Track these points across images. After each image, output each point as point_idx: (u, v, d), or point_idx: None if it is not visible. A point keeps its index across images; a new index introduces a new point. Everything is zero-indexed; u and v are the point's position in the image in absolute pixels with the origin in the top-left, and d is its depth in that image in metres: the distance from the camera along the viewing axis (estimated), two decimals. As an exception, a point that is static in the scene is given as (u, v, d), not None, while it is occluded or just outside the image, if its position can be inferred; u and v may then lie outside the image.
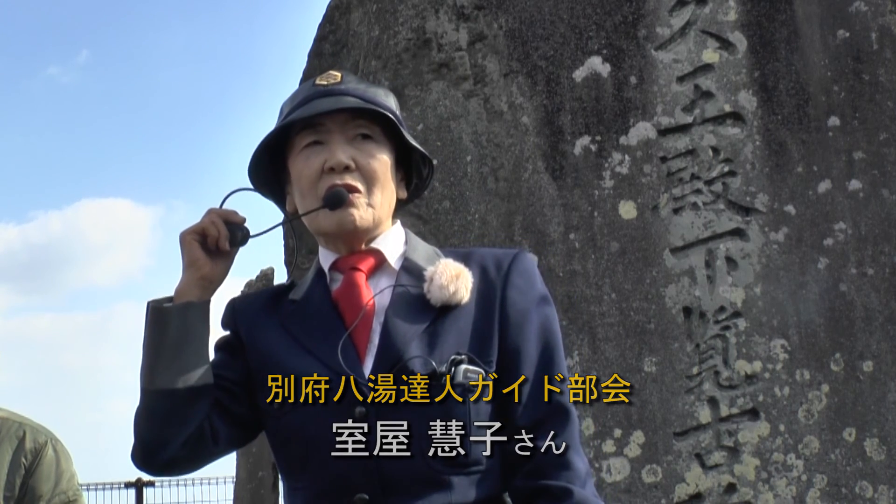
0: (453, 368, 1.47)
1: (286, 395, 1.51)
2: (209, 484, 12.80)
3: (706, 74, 3.22)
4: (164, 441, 1.53)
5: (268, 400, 1.53)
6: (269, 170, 1.65)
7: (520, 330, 1.55)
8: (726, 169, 3.17)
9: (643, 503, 2.99)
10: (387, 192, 1.60)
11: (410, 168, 1.67)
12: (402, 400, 1.46)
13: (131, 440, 1.56)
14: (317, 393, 1.49)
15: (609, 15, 3.24)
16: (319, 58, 3.58)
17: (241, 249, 1.59)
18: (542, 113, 3.19)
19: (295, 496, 1.55)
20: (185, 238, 1.54)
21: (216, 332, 1.63)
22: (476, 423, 1.49)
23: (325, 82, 1.61)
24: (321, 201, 1.55)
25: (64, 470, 2.28)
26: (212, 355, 1.62)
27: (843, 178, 3.20)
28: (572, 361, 3.01)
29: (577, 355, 3.02)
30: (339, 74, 1.63)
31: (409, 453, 1.46)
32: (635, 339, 3.06)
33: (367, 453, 1.46)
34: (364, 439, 1.46)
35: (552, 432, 1.52)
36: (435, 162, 1.69)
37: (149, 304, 1.54)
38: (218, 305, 1.61)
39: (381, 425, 1.46)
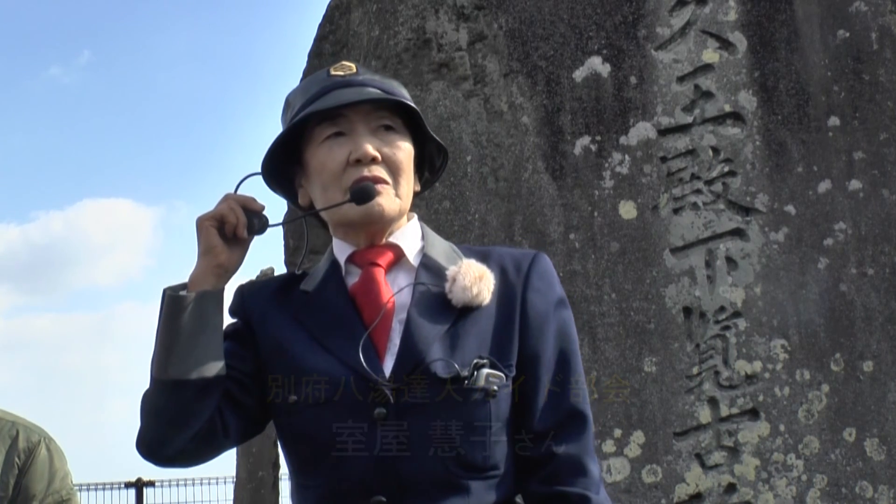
0: (476, 372, 1.45)
1: (302, 392, 1.48)
2: (209, 484, 12.80)
3: (706, 74, 3.22)
4: (174, 433, 1.48)
5: (281, 396, 1.51)
6: (279, 163, 1.60)
7: (539, 334, 1.53)
8: (726, 169, 3.17)
9: (643, 503, 2.99)
10: (410, 183, 1.57)
11: (423, 160, 1.64)
12: (423, 403, 1.44)
13: (133, 437, 1.52)
14: (335, 392, 1.46)
15: (609, 15, 3.24)
16: (319, 58, 3.58)
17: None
18: (542, 113, 3.19)
19: (306, 494, 1.52)
20: (202, 224, 1.49)
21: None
22: (496, 428, 1.47)
23: (342, 73, 1.58)
24: (347, 193, 1.51)
25: (57, 469, 2.27)
26: None
27: (843, 178, 3.20)
28: (572, 361, 3.01)
29: (577, 355, 3.02)
30: (353, 65, 1.60)
31: (428, 456, 1.44)
32: (635, 339, 3.06)
33: (385, 455, 1.43)
34: (383, 441, 1.43)
35: (569, 437, 1.51)
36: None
37: (164, 291, 1.49)
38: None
39: (401, 427, 1.44)
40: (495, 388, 1.46)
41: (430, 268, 1.55)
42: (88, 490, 12.64)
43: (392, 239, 1.57)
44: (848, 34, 3.29)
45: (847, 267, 3.15)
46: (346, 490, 1.46)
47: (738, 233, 3.15)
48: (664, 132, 3.18)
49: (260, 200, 1.53)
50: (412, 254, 1.58)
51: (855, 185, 3.20)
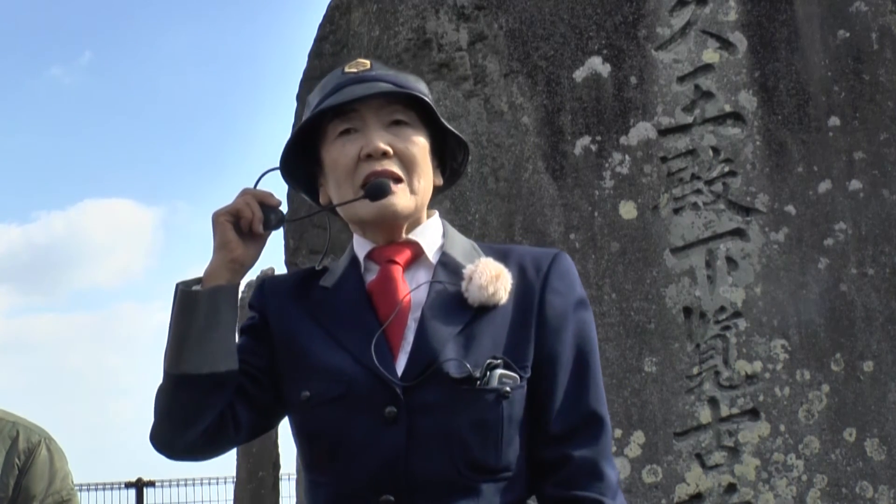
0: (488, 373, 1.43)
1: (315, 389, 1.48)
2: (209, 484, 12.82)
3: (706, 74, 3.22)
4: (185, 427, 1.48)
5: (294, 392, 1.50)
6: (299, 161, 1.60)
7: (557, 335, 1.50)
8: (726, 169, 3.17)
9: (643, 503, 2.99)
10: (426, 178, 1.55)
11: (445, 154, 1.62)
12: (434, 402, 1.43)
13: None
14: (347, 390, 1.45)
15: (609, 15, 3.24)
16: (320, 58, 3.58)
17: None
18: (543, 113, 3.19)
19: (318, 492, 1.51)
20: (217, 219, 1.49)
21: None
22: (508, 430, 1.45)
23: (355, 70, 1.56)
24: (360, 189, 1.50)
25: (58, 469, 2.26)
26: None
27: (843, 178, 3.20)
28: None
29: (577, 355, 3.02)
30: (367, 62, 1.58)
31: (438, 457, 1.42)
32: (635, 339, 3.06)
33: (395, 454, 1.42)
34: (393, 440, 1.42)
35: (585, 441, 1.49)
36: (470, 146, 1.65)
37: (177, 286, 1.49)
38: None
39: (412, 427, 1.42)
40: (508, 389, 1.44)
41: (448, 266, 1.54)
42: (89, 490, 12.66)
43: (412, 236, 1.56)
44: (848, 34, 3.29)
45: (847, 267, 3.15)
46: (355, 488, 1.45)
47: (738, 233, 3.15)
48: (664, 132, 3.18)
49: (277, 196, 1.53)
50: (431, 251, 1.56)
51: (855, 185, 3.20)
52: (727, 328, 3.09)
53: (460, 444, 1.43)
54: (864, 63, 3.27)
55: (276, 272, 7.52)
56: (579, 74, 3.21)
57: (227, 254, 1.49)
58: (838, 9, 3.30)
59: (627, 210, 3.13)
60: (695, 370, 3.06)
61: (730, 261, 3.13)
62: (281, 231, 3.54)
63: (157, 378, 1.52)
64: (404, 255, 1.55)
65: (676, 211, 3.14)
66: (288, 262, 3.51)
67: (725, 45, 3.25)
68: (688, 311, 3.10)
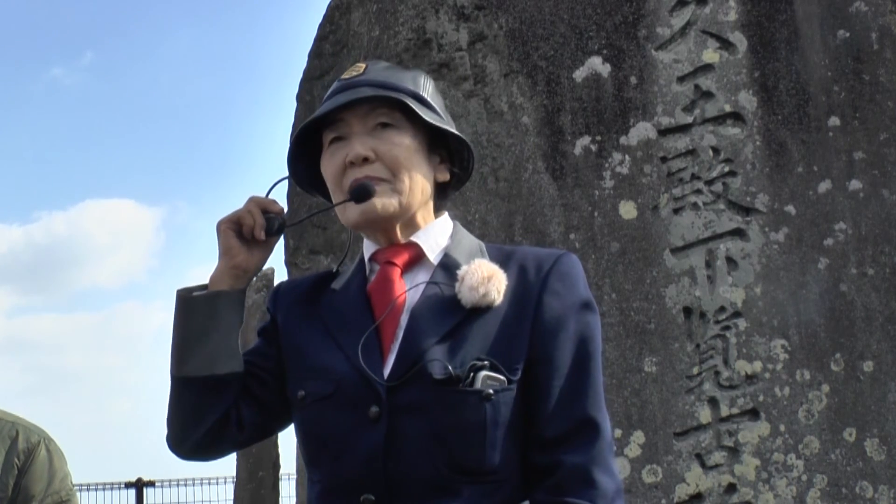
0: (472, 374, 1.42)
1: (309, 388, 1.50)
2: (209, 484, 12.81)
3: (706, 74, 3.22)
4: (190, 428, 1.54)
5: (293, 391, 1.53)
6: (313, 167, 1.62)
7: (553, 337, 1.48)
8: (726, 169, 3.17)
9: (643, 503, 2.99)
10: (417, 178, 1.55)
11: (450, 149, 1.62)
12: (416, 402, 1.43)
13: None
14: (336, 389, 1.47)
15: (609, 15, 3.24)
16: (320, 58, 3.58)
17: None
18: (543, 113, 3.19)
19: (312, 489, 1.54)
20: (220, 227, 1.54)
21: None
22: (493, 432, 1.44)
23: (349, 76, 1.58)
24: (347, 195, 1.53)
25: (57, 469, 2.26)
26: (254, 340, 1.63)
27: (843, 178, 3.20)
28: (572, 361, 3.01)
29: (577, 355, 3.02)
30: (362, 66, 1.59)
31: (419, 457, 1.42)
32: (635, 339, 3.06)
33: (374, 454, 1.43)
34: (374, 439, 1.43)
35: (578, 446, 1.46)
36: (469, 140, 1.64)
37: (177, 292, 1.55)
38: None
39: (393, 426, 1.43)
40: (491, 391, 1.42)
41: (448, 267, 1.54)
42: (89, 490, 12.65)
43: (413, 238, 1.57)
44: (848, 34, 3.29)
45: (847, 267, 3.15)
46: (339, 486, 1.46)
47: (738, 233, 3.15)
48: (664, 132, 3.18)
49: (279, 203, 1.57)
50: (433, 253, 1.57)
51: (855, 185, 3.20)
52: (727, 328, 3.09)
53: (441, 445, 1.42)
54: (864, 63, 3.27)
55: (276, 272, 7.53)
56: (579, 74, 3.21)
57: (229, 260, 1.54)
58: (838, 9, 3.30)
59: (627, 210, 3.13)
60: (695, 370, 3.06)
61: (730, 261, 3.13)
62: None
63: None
64: (403, 257, 1.55)
65: (676, 211, 3.14)
66: (288, 262, 3.51)
67: (725, 45, 3.25)
68: (688, 311, 3.10)
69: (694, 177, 3.17)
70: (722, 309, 3.10)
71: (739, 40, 3.25)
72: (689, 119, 3.19)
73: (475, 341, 1.46)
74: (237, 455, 7.73)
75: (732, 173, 3.17)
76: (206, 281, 1.57)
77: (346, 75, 1.58)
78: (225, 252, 1.54)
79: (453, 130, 1.58)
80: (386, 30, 3.31)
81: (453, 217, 1.66)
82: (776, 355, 3.08)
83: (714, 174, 3.17)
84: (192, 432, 1.54)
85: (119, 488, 12.76)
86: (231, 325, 1.53)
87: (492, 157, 3.17)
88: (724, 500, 3.01)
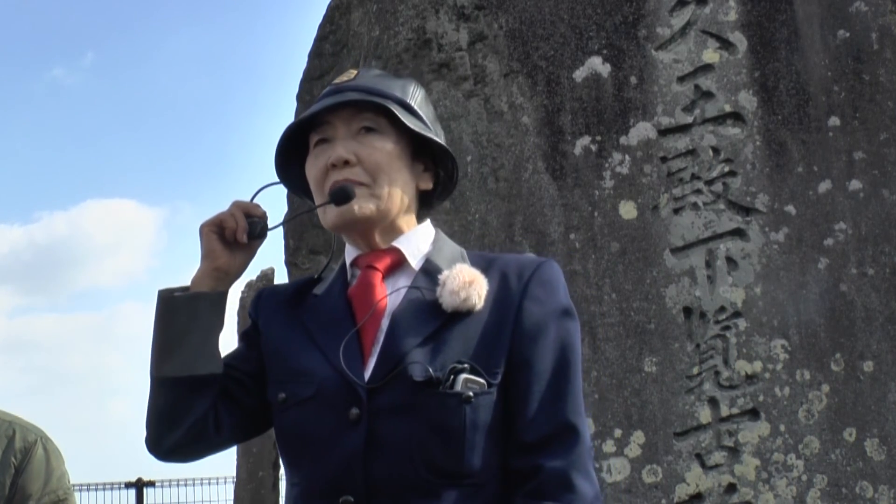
0: (452, 377, 1.43)
1: (290, 391, 1.51)
2: (209, 484, 12.82)
3: (706, 74, 3.22)
4: (168, 428, 1.54)
5: (273, 395, 1.54)
6: (300, 169, 1.64)
7: (533, 342, 1.49)
8: (726, 169, 3.17)
9: (643, 503, 2.99)
10: (397, 183, 1.56)
11: (436, 159, 1.63)
12: (396, 405, 1.44)
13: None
14: (316, 392, 1.48)
15: (609, 15, 3.24)
16: (320, 58, 3.58)
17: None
18: (543, 113, 3.19)
19: (292, 492, 1.54)
20: (203, 229, 1.55)
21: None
22: (472, 435, 1.44)
23: (340, 80, 1.60)
24: (328, 198, 1.54)
25: (54, 469, 2.26)
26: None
27: (843, 178, 3.20)
28: (572, 361, 3.01)
29: (577, 355, 3.02)
30: (354, 71, 1.61)
31: (399, 459, 1.43)
32: (635, 339, 3.06)
33: (354, 456, 1.44)
34: (353, 441, 1.44)
35: (557, 451, 1.46)
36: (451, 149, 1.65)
37: (158, 292, 1.55)
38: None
39: (373, 429, 1.44)
40: (471, 393, 1.43)
41: (429, 272, 1.55)
42: (89, 490, 12.66)
43: (395, 243, 1.58)
44: (848, 34, 3.29)
45: (847, 267, 3.15)
46: (319, 488, 1.47)
47: (738, 233, 3.15)
48: (664, 132, 3.18)
49: (264, 207, 1.58)
50: (415, 259, 1.58)
51: (855, 185, 3.20)
52: (727, 328, 3.09)
53: (420, 448, 1.43)
54: (864, 63, 3.27)
55: (276, 272, 7.53)
56: (579, 74, 3.21)
57: (211, 262, 1.55)
58: (838, 9, 3.30)
59: (627, 210, 3.13)
60: (695, 370, 3.06)
61: (730, 261, 3.13)
62: (281, 231, 3.54)
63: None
64: (384, 262, 1.57)
65: (676, 211, 3.14)
66: (288, 262, 3.51)
67: (725, 45, 3.25)
68: (688, 311, 3.10)
69: (694, 177, 3.17)
70: (722, 309, 3.10)
71: (739, 40, 3.25)
72: (689, 119, 3.19)
73: (456, 345, 1.47)
74: (237, 455, 7.73)
75: (732, 173, 3.17)
76: None
77: (337, 80, 1.60)
78: (207, 254, 1.55)
79: (437, 139, 1.59)
80: (386, 30, 3.31)
81: (436, 224, 1.67)
82: (776, 355, 3.08)
83: (714, 174, 3.17)
84: (170, 433, 1.54)
85: (119, 488, 12.76)
86: (211, 326, 1.54)
87: (492, 157, 3.17)
88: (724, 500, 3.01)
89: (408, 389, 1.44)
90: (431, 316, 1.50)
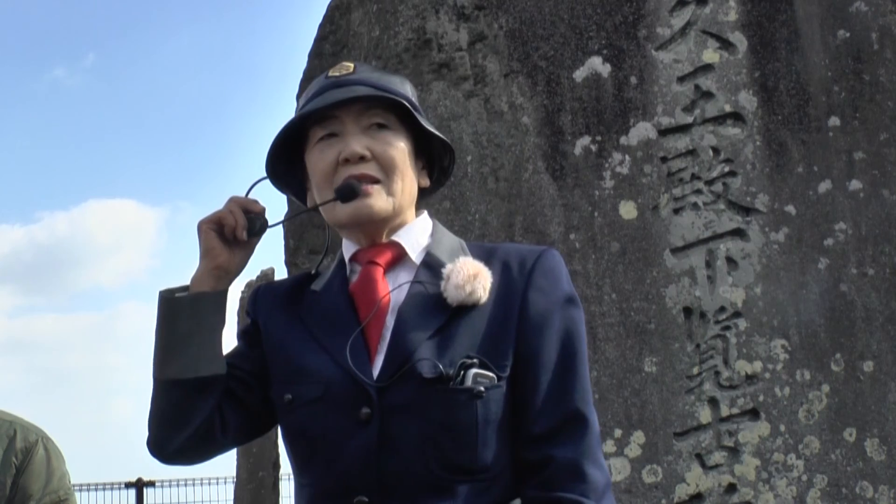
0: (462, 372, 1.42)
1: (297, 390, 1.49)
2: (209, 484, 12.81)
3: (706, 74, 3.22)
4: (173, 431, 1.52)
5: (279, 395, 1.52)
6: (288, 165, 1.61)
7: (539, 333, 1.49)
8: (727, 169, 3.17)
9: (643, 503, 2.99)
10: (406, 180, 1.56)
11: (432, 156, 1.63)
12: (407, 403, 1.43)
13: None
14: (325, 391, 1.46)
15: (609, 15, 3.24)
16: (320, 58, 3.58)
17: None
18: (543, 113, 3.19)
19: (302, 493, 1.52)
20: (201, 227, 1.52)
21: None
22: (484, 430, 1.44)
23: (338, 73, 1.57)
24: (335, 193, 1.52)
25: (55, 469, 2.26)
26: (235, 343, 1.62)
27: (843, 179, 3.20)
28: (572, 361, 3.01)
29: (577, 355, 3.02)
30: (351, 65, 1.59)
31: (412, 457, 1.42)
32: (635, 340, 3.06)
33: (367, 455, 1.43)
34: (366, 441, 1.43)
35: (568, 441, 1.46)
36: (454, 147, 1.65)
37: (160, 293, 1.52)
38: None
39: (385, 427, 1.42)
40: (482, 388, 1.43)
41: (431, 266, 1.54)
42: (89, 490, 12.66)
43: (395, 237, 1.57)
44: (848, 34, 3.29)
45: (847, 267, 3.15)
46: (332, 489, 1.46)
47: (738, 233, 3.15)
48: (664, 132, 3.18)
49: (262, 203, 1.55)
50: (415, 252, 1.57)
51: (855, 185, 3.20)
52: (727, 328, 3.09)
53: (433, 445, 1.42)
54: (864, 63, 3.27)
55: (276, 272, 7.53)
56: (579, 74, 3.21)
57: (210, 261, 1.52)
58: (838, 9, 3.30)
59: (627, 210, 3.13)
60: (695, 370, 3.06)
61: (730, 261, 3.13)
62: (281, 231, 3.54)
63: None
64: (385, 257, 1.55)
65: (676, 211, 3.14)
66: (288, 262, 3.51)
67: (725, 45, 3.25)
68: (688, 311, 3.10)
69: (694, 177, 3.17)
70: (722, 309, 3.10)
71: (739, 40, 3.25)
72: (690, 119, 3.19)
73: (463, 339, 1.46)
74: (237, 455, 7.73)
75: (732, 173, 3.17)
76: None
77: (334, 73, 1.58)
78: (207, 253, 1.52)
79: (444, 137, 1.60)
80: (386, 30, 3.31)
81: (432, 215, 1.66)
82: (776, 355, 3.08)
83: (714, 174, 3.17)
84: (176, 436, 1.52)
85: (119, 488, 12.76)
86: (214, 326, 1.51)
87: (492, 157, 3.17)
88: (724, 500, 3.01)
89: (418, 387, 1.43)
90: (437, 311, 1.48)
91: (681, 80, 3.21)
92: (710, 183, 3.16)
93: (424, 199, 1.66)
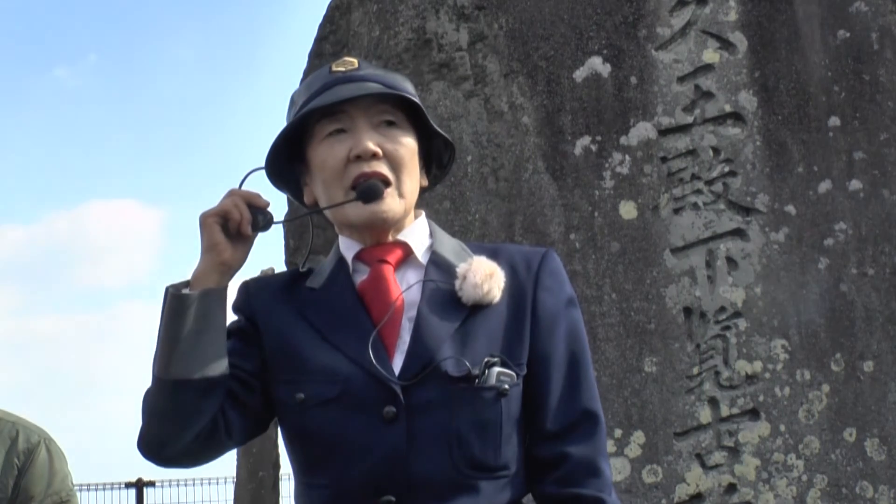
0: (486, 371, 1.43)
1: (310, 390, 1.46)
2: (209, 484, 12.81)
3: (706, 74, 3.22)
4: (176, 433, 1.46)
5: (288, 395, 1.48)
6: (283, 161, 1.58)
7: (550, 333, 1.51)
8: (727, 169, 3.17)
9: (643, 503, 2.99)
10: (413, 180, 1.55)
11: (431, 155, 1.62)
12: (433, 401, 1.42)
13: (134, 440, 1.49)
14: (343, 390, 1.44)
15: (609, 15, 3.24)
16: (320, 58, 3.58)
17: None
18: (543, 113, 3.19)
19: (312, 494, 1.49)
20: (205, 220, 1.46)
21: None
22: (507, 428, 1.45)
23: (343, 69, 1.55)
24: (349, 191, 1.50)
25: (57, 470, 2.25)
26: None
27: (843, 178, 3.20)
28: (572, 361, 3.01)
29: (577, 355, 3.02)
30: (355, 61, 1.57)
31: (438, 456, 1.42)
32: (636, 340, 3.06)
33: (395, 454, 1.42)
34: (393, 440, 1.42)
35: (582, 438, 1.50)
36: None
37: (167, 289, 1.46)
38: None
39: (411, 426, 1.42)
40: (506, 386, 1.44)
41: (439, 265, 1.54)
42: (89, 490, 12.65)
43: (400, 236, 1.56)
44: (848, 34, 3.29)
45: (847, 267, 3.15)
46: (354, 489, 1.44)
47: (738, 233, 3.15)
48: (664, 132, 3.18)
49: (265, 197, 1.50)
50: (421, 251, 1.56)
51: (855, 185, 3.20)
52: (727, 328, 3.09)
53: (460, 443, 1.43)
54: (864, 63, 3.27)
55: (277, 272, 7.52)
56: (579, 74, 3.21)
57: (215, 256, 1.46)
58: (838, 9, 3.30)
59: (627, 210, 3.13)
60: (695, 370, 3.06)
61: (730, 261, 3.13)
62: (281, 231, 3.54)
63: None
64: (395, 256, 1.54)
65: (676, 211, 3.14)
66: (288, 262, 3.51)
67: (725, 45, 3.25)
68: (688, 311, 3.10)
69: (694, 177, 3.17)
70: (722, 309, 3.10)
71: (739, 40, 3.25)
72: (690, 119, 3.19)
73: (482, 338, 1.47)
74: (237, 455, 7.73)
75: (732, 173, 3.17)
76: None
77: (339, 67, 1.55)
78: (211, 247, 1.45)
79: (447, 136, 1.60)
80: (386, 30, 3.31)
81: (428, 216, 1.66)
82: (776, 355, 3.08)
83: (714, 174, 3.17)
84: (179, 438, 1.46)
85: (119, 488, 12.76)
86: (220, 324, 1.47)
87: (492, 157, 3.17)
88: (724, 500, 3.01)
89: (444, 385, 1.43)
90: (455, 310, 1.48)
91: (681, 80, 3.21)
92: (710, 183, 3.16)
93: (421, 197, 1.66)
